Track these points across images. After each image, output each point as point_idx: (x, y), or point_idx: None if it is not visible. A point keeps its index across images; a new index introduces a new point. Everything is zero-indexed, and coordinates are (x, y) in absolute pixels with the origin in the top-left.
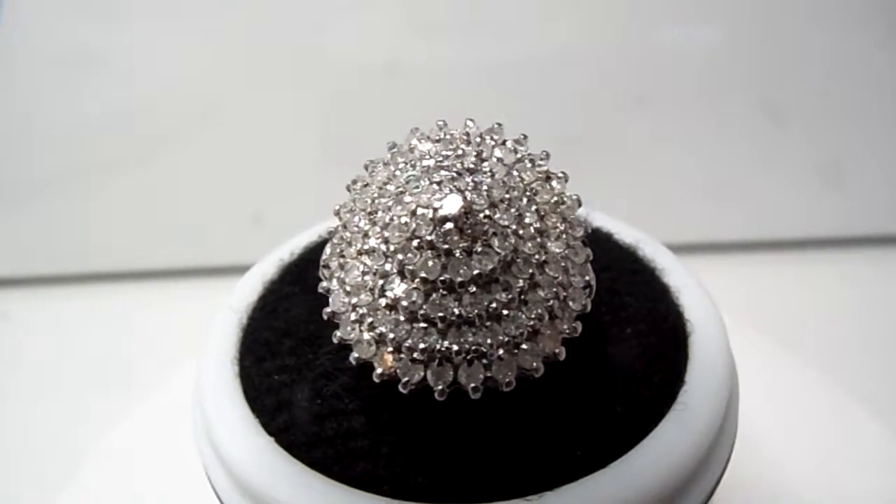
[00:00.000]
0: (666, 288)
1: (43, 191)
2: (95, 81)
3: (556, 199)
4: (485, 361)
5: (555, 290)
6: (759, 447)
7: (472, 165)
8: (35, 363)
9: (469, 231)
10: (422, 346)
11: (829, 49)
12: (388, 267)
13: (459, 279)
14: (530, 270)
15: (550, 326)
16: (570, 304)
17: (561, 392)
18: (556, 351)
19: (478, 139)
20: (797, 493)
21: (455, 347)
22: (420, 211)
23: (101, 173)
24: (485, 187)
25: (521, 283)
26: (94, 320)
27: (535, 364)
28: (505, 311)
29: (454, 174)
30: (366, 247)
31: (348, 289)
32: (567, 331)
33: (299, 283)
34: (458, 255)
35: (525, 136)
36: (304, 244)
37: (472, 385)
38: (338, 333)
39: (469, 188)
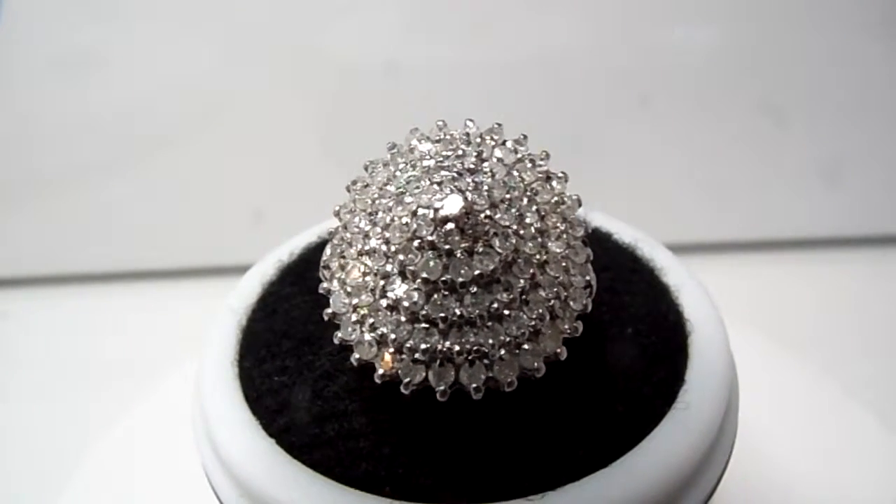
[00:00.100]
0: (665, 287)
1: (43, 191)
2: (95, 81)
3: (556, 199)
4: (486, 362)
5: (556, 289)
6: (758, 447)
7: (472, 166)
8: (35, 363)
9: (470, 231)
10: (423, 346)
11: (829, 49)
12: (389, 267)
13: (461, 279)
14: (531, 270)
15: (552, 326)
16: (571, 303)
17: (562, 392)
18: (558, 351)
19: (478, 139)
20: (797, 493)
21: (457, 348)
22: (421, 211)
23: (101, 173)
24: (485, 187)
25: (522, 282)
26: (94, 320)
27: (536, 364)
28: (506, 311)
29: (455, 174)
30: (366, 247)
31: (349, 289)
32: (568, 330)
33: (299, 283)
34: (459, 255)
35: (525, 137)
36: (303, 245)
37: (474, 385)
38: (339, 334)
39: (470, 188)
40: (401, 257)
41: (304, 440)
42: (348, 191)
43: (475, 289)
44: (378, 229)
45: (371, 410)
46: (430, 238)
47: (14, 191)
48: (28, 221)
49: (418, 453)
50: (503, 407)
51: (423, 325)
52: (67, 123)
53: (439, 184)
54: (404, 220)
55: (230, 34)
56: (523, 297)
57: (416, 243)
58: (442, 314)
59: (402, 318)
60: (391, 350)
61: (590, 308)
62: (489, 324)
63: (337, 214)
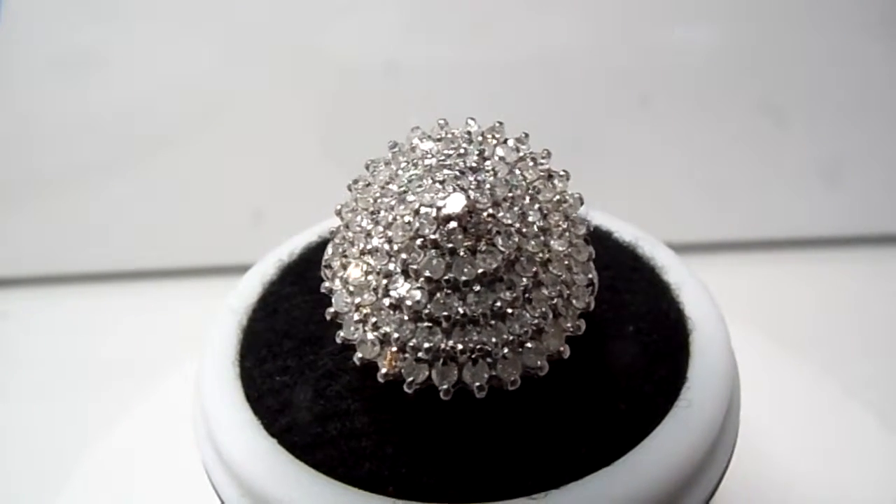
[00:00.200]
0: (666, 285)
1: (43, 191)
2: (95, 81)
3: (558, 197)
4: (489, 360)
5: (558, 288)
6: (758, 446)
7: (474, 164)
8: (35, 363)
9: (473, 230)
10: (426, 345)
11: (829, 49)
12: (391, 266)
13: (464, 278)
14: (534, 269)
15: (554, 324)
16: (574, 301)
17: (564, 390)
18: (561, 349)
19: (479, 138)
20: (798, 492)
21: (460, 347)
22: (423, 210)
23: (101, 173)
24: (488, 186)
25: (525, 281)
26: (94, 320)
27: (539, 362)
28: (509, 310)
29: (457, 173)
30: (369, 246)
31: (351, 289)
32: (571, 329)
33: (299, 283)
34: (462, 253)
35: (526, 135)
36: (303, 244)
37: (477, 384)
38: (341, 334)
39: (472, 187)
40: (403, 256)
41: (307, 440)
42: (349, 190)
43: (478, 287)
44: (380, 228)
45: (373, 410)
46: (432, 237)
47: (14, 191)
48: (28, 221)
49: (421, 452)
50: (505, 406)
51: (427, 323)
52: (67, 123)
53: (442, 182)
54: (407, 218)
55: (230, 34)
56: (526, 295)
57: (418, 242)
58: (445, 313)
59: (405, 317)
60: (394, 349)
61: (592, 306)
62: (492, 322)
63: (338, 213)
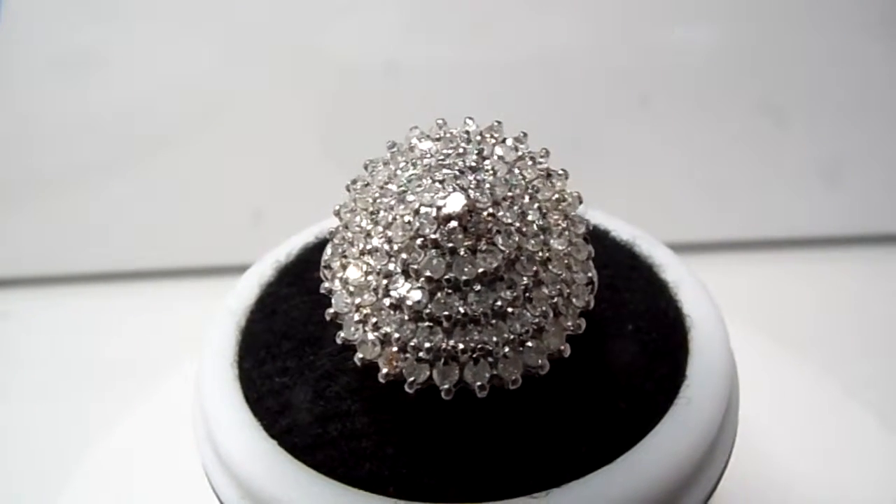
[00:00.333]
0: (664, 283)
1: (43, 191)
2: (95, 81)
3: (557, 196)
4: (490, 360)
5: (558, 287)
6: (758, 446)
7: (473, 163)
8: (35, 363)
9: (473, 229)
10: (427, 345)
11: (829, 49)
12: (391, 266)
13: (464, 277)
14: (534, 268)
15: (555, 323)
16: (574, 300)
17: (564, 389)
18: (562, 348)
19: (478, 137)
20: (797, 492)
21: (461, 346)
22: (423, 210)
23: (101, 173)
24: (487, 185)
25: (525, 280)
26: (94, 320)
27: (540, 361)
28: (510, 309)
29: (456, 172)
30: (368, 246)
31: (351, 289)
32: (571, 327)
33: (297, 284)
34: (462, 253)
35: (525, 134)
36: (300, 245)
37: (479, 384)
38: (342, 334)
39: (472, 186)
40: (404, 256)
41: (307, 441)
42: (348, 190)
43: (479, 287)
44: (380, 228)
45: (373, 410)
46: (433, 236)
47: (14, 191)
48: (28, 221)
49: (422, 453)
50: (506, 405)
51: (427, 323)
52: (67, 123)
53: (441, 182)
54: (407, 218)
55: (230, 34)
56: (526, 294)
57: (419, 242)
58: (446, 312)
59: (406, 317)
60: (395, 349)
61: (592, 305)
62: (493, 321)
63: (337, 214)
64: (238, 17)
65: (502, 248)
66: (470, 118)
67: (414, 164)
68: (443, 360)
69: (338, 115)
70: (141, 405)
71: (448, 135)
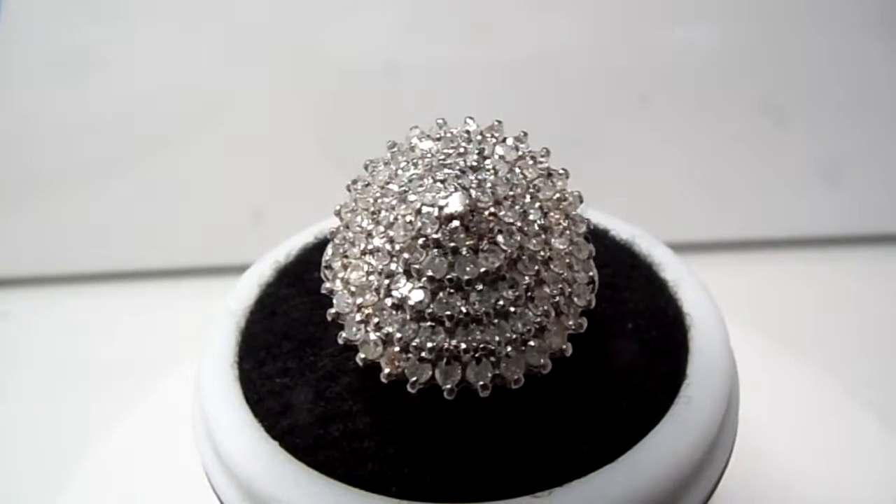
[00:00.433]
0: (664, 283)
1: (43, 191)
2: (95, 81)
3: (558, 195)
4: (493, 359)
5: (560, 286)
6: (758, 446)
7: (474, 163)
8: (35, 363)
9: (475, 229)
10: (429, 345)
11: (829, 49)
12: (393, 266)
13: (466, 277)
14: (536, 267)
15: (557, 323)
16: (575, 299)
17: (566, 388)
18: (563, 347)
19: (478, 137)
20: (797, 492)
21: (463, 346)
22: (425, 209)
23: (101, 173)
24: (489, 185)
25: (527, 279)
26: (93, 320)
27: (542, 360)
28: (512, 308)
29: (457, 172)
30: (370, 246)
31: (353, 289)
32: (573, 326)
33: (296, 284)
34: (464, 252)
35: (525, 134)
36: (299, 245)
37: (481, 383)
38: (343, 334)
39: (473, 186)
40: (406, 256)
41: (308, 441)
42: (349, 190)
43: (481, 286)
44: (381, 228)
45: (375, 410)
46: (434, 236)
47: (14, 191)
48: (28, 221)
49: (424, 452)
50: (507, 404)
51: (429, 323)
52: (67, 123)
53: (442, 181)
54: (408, 218)
55: (230, 34)
56: (528, 293)
57: (420, 241)
58: (448, 312)
59: (408, 317)
60: (397, 349)
61: (593, 304)
62: (495, 321)
63: (338, 214)
64: (238, 17)
65: (504, 247)
66: (470, 118)
67: (415, 164)
68: (445, 360)
69: (338, 115)
70: (141, 405)
71: (448, 134)
